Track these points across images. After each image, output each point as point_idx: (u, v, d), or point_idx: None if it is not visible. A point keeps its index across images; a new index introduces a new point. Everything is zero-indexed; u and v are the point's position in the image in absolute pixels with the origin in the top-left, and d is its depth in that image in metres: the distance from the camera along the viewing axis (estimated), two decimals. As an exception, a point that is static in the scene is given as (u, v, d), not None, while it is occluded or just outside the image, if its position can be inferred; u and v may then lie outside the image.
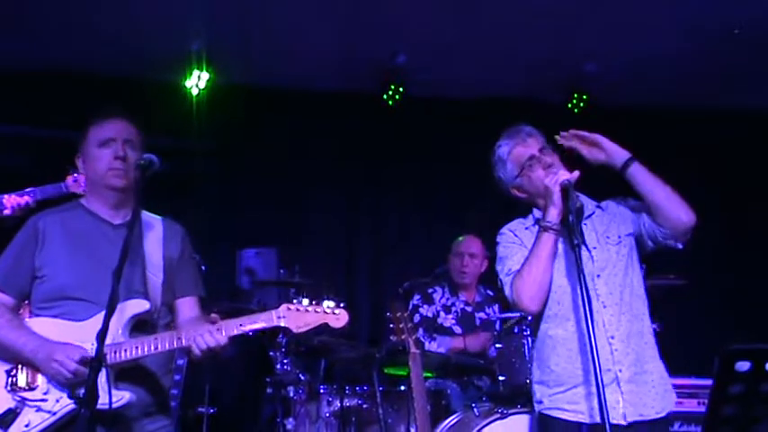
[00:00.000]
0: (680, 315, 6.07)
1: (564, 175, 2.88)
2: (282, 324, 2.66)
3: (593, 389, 2.84)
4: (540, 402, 3.03)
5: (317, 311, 2.69)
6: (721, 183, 7.20)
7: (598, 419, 2.82)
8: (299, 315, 2.68)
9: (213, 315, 2.82)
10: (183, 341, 2.66)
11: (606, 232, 3.02)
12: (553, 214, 2.89)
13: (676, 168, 7.63)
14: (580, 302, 2.76)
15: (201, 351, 2.66)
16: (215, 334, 2.65)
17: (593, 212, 3.06)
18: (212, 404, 5.25)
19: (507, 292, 2.99)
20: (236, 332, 2.67)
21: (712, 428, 2.14)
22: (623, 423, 2.81)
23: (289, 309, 2.68)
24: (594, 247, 2.97)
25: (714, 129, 7.15)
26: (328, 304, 2.71)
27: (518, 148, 3.05)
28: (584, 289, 2.70)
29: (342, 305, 2.74)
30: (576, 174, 2.89)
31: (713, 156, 7.19)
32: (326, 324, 2.70)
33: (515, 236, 3.08)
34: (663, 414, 2.91)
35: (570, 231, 2.82)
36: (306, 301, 2.70)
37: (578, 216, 2.94)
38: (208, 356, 2.70)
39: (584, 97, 6.86)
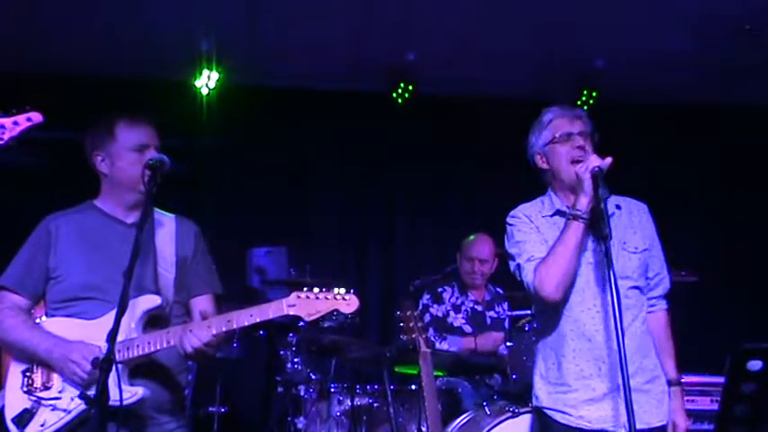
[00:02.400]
0: (692, 312, 6.04)
1: (595, 162, 2.78)
2: (292, 313, 2.64)
3: (595, 394, 2.82)
4: (539, 398, 2.99)
5: (327, 298, 2.66)
6: (736, 178, 7.16)
7: (596, 426, 2.79)
8: (310, 303, 2.66)
9: (203, 311, 2.79)
10: (172, 341, 2.65)
11: (624, 238, 2.93)
12: (583, 203, 2.78)
13: (689, 163, 7.59)
14: (609, 298, 2.69)
15: (188, 352, 2.64)
16: (197, 332, 2.62)
17: (613, 213, 2.93)
18: (223, 403, 5.26)
19: (529, 278, 2.87)
20: (247, 323, 2.66)
21: (725, 427, 2.13)
22: None
23: (299, 297, 2.66)
24: None
25: (727, 124, 7.11)
26: (338, 290, 2.68)
27: (562, 120, 2.98)
28: (612, 282, 2.62)
29: (352, 290, 2.70)
30: (609, 160, 2.78)
31: (726, 151, 7.15)
32: (337, 310, 2.68)
33: (530, 221, 2.98)
34: (663, 423, 2.86)
35: (599, 221, 2.72)
36: (316, 289, 2.67)
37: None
38: (198, 357, 2.68)
39: (594, 94, 6.84)
